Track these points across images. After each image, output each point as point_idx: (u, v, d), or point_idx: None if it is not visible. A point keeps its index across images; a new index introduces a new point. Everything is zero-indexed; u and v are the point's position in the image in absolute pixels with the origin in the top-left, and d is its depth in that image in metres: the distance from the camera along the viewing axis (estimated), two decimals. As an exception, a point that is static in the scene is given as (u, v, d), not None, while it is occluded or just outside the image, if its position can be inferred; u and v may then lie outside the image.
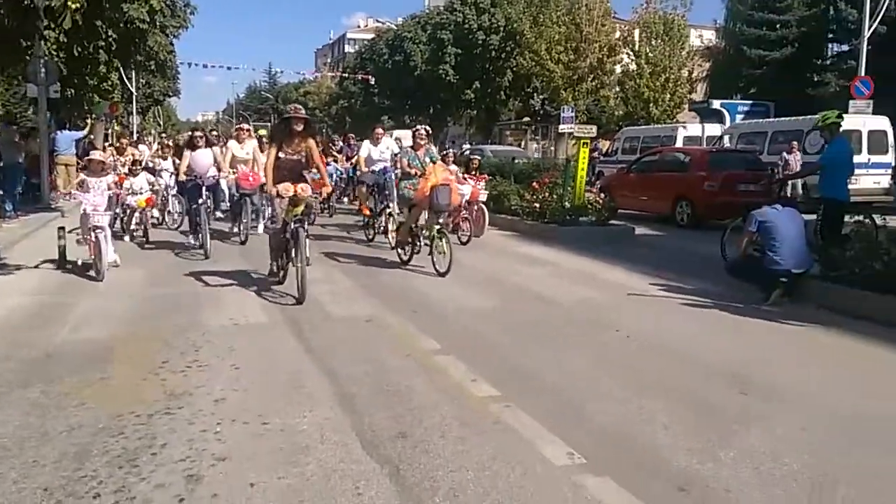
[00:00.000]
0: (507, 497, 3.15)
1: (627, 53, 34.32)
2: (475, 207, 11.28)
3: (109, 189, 8.35)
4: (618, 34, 34.96)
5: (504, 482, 3.28)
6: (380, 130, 12.54)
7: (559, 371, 4.91)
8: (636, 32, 33.92)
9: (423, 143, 9.05)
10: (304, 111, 7.60)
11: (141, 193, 10.70)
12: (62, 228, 8.68)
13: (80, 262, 8.32)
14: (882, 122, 17.42)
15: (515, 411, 4.14)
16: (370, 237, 11.27)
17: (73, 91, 18.39)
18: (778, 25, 35.26)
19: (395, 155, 11.86)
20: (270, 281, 7.58)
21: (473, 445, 3.67)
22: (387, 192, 11.13)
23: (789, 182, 12.94)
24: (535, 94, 42.30)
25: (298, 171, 7.26)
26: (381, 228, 11.04)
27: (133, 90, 35.73)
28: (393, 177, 11.19)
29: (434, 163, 8.81)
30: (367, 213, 11.56)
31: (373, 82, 49.44)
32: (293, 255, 6.97)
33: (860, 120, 17.23)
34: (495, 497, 3.15)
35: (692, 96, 35.00)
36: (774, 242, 7.02)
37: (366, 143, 12.46)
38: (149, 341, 5.59)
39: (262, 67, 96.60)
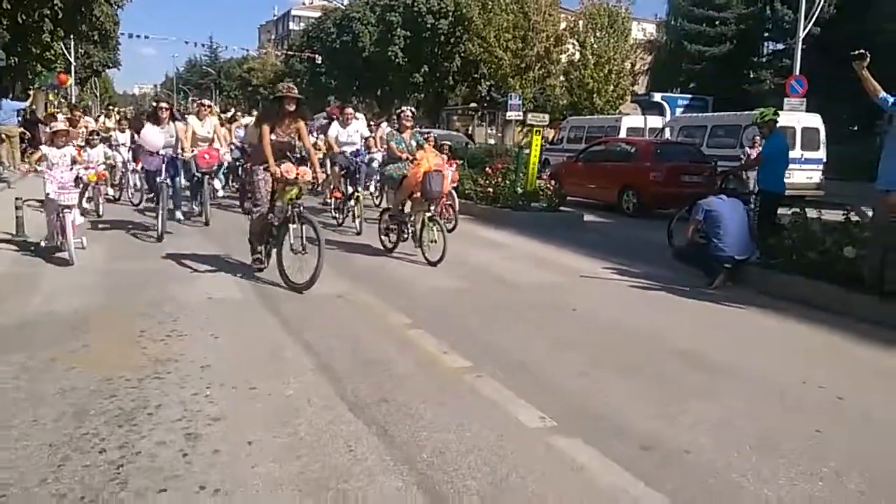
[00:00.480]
0: (489, 454, 3.43)
1: (573, 44, 34.89)
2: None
3: (75, 162, 7.76)
4: (564, 24, 35.50)
5: (484, 441, 3.55)
6: (349, 111, 11.80)
7: (523, 347, 5.20)
8: (581, 23, 34.49)
9: (409, 125, 8.72)
10: (296, 90, 7.07)
11: (95, 168, 10.30)
12: (19, 199, 8.54)
13: (42, 244, 7.86)
14: (814, 120, 18.14)
15: (488, 380, 4.42)
16: (340, 221, 10.95)
17: (16, 59, 17.81)
18: (717, 22, 36.45)
19: (366, 139, 11.68)
20: (254, 267, 7.14)
21: (453, 409, 3.94)
22: (357, 177, 10.69)
23: (745, 174, 13.43)
24: (482, 81, 42.57)
25: (285, 152, 6.88)
26: (350, 213, 10.59)
27: (72, 60, 34.52)
28: (364, 161, 10.97)
29: (422, 147, 8.55)
30: (339, 195, 11.15)
31: (320, 61, 48.87)
32: (294, 238, 6.60)
33: (794, 117, 17.95)
34: (477, 454, 3.42)
35: (634, 88, 35.87)
36: (719, 230, 7.49)
37: (334, 125, 11.77)
38: (123, 312, 5.68)
39: (203, 41, 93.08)
